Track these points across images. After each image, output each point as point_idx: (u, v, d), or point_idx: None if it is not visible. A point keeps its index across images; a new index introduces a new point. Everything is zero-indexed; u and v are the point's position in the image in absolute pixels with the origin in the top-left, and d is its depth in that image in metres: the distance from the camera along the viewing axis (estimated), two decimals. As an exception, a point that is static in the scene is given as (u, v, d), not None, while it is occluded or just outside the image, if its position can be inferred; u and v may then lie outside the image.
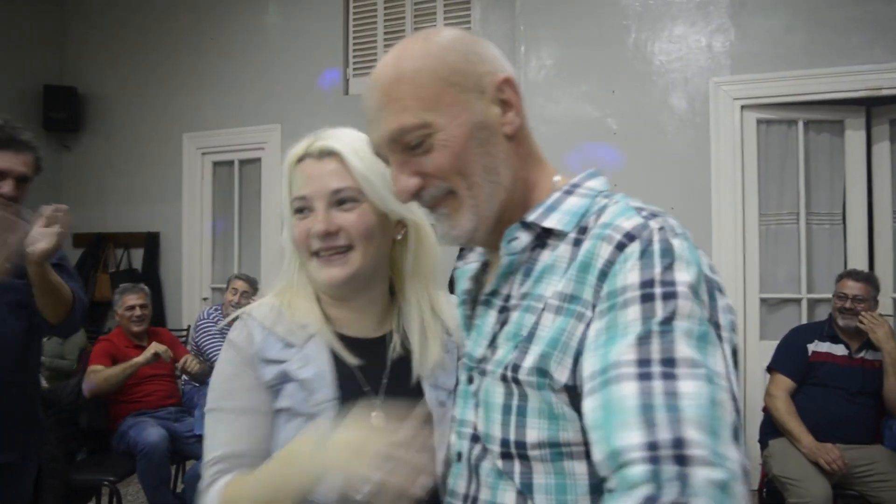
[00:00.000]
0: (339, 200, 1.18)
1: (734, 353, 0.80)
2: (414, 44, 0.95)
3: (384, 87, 0.93)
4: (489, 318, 0.97)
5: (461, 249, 1.21)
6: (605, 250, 0.82)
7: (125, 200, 6.69)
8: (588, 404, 0.77)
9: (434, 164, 0.92)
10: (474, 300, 1.06)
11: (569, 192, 0.96)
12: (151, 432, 3.52)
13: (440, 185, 0.93)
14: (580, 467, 0.82)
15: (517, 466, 0.86)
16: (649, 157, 4.58)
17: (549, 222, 0.92)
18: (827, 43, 4.30)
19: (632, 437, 0.70)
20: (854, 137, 4.48)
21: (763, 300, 4.48)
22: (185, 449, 3.76)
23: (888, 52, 4.18)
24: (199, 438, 3.66)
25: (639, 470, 0.69)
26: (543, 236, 0.93)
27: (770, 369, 3.45)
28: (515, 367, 0.86)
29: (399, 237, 1.25)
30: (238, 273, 5.10)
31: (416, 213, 1.24)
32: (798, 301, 4.46)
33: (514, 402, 0.87)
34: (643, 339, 0.74)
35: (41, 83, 6.70)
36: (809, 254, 4.49)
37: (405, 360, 1.22)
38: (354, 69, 5.83)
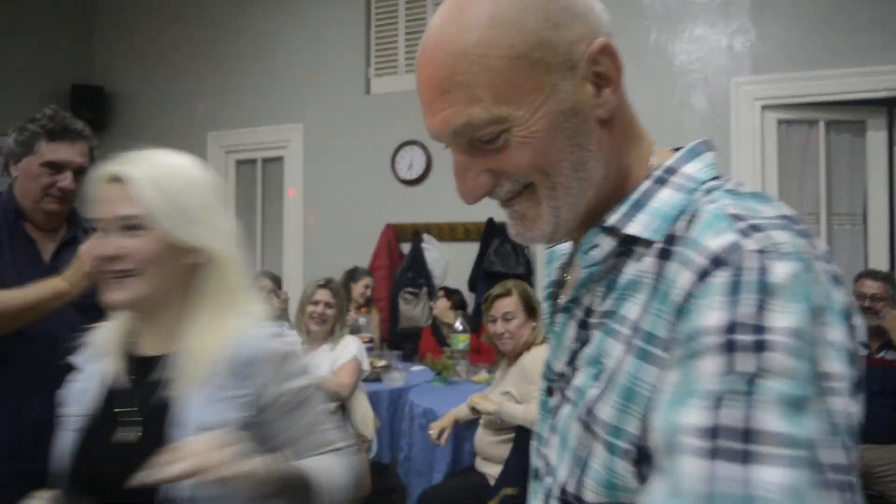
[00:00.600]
0: (127, 226, 1.22)
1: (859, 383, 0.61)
2: (471, 9, 0.71)
3: (444, 65, 0.70)
4: (569, 331, 0.80)
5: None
6: (685, 279, 0.62)
7: (150, 198, 6.78)
8: (652, 476, 0.62)
9: (511, 162, 0.72)
10: (556, 297, 0.89)
11: (661, 182, 0.74)
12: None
13: (518, 181, 0.74)
14: None
15: None
16: (669, 156, 4.60)
17: (633, 228, 0.72)
18: (848, 43, 4.29)
19: None
20: (875, 138, 4.47)
21: (783, 300, 4.48)
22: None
23: (910, 52, 4.18)
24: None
25: None
26: (629, 241, 0.73)
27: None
28: (593, 416, 0.70)
29: (195, 262, 1.28)
30: (263, 270, 5.17)
31: (211, 241, 1.27)
32: (818, 301, 4.46)
33: (584, 454, 0.71)
34: (716, 403, 0.56)
35: (69, 82, 6.81)
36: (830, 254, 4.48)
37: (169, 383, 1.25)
38: (376, 69, 5.88)
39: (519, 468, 2.67)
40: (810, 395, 0.55)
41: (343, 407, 3.49)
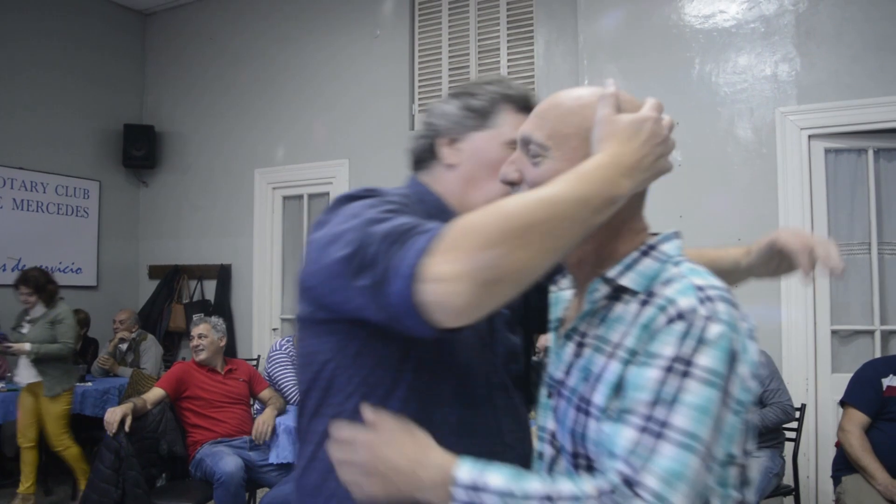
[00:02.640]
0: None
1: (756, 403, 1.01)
2: (591, 92, 1.09)
3: (548, 106, 1.11)
4: (568, 349, 1.10)
5: (556, 275, 1.31)
6: (661, 321, 0.95)
7: (199, 234, 6.94)
8: (606, 427, 0.96)
9: (534, 175, 1.08)
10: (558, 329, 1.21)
11: (645, 253, 1.07)
12: (228, 461, 3.64)
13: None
14: None
15: (585, 470, 1.02)
16: (716, 188, 4.57)
17: (625, 281, 1.04)
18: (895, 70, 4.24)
19: (616, 464, 0.91)
20: (927, 165, 4.40)
21: (834, 332, 4.40)
22: (260, 478, 3.86)
23: (960, 78, 4.11)
24: (276, 468, 3.78)
25: (611, 480, 0.90)
26: (619, 290, 1.05)
27: (843, 403, 3.39)
28: (587, 402, 1.01)
29: None
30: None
31: None
32: (871, 333, 4.37)
33: (580, 429, 1.02)
34: (656, 401, 0.91)
35: (121, 122, 7.04)
36: (882, 284, 4.40)
37: None
38: (420, 105, 5.96)
39: None
40: (707, 405, 0.89)
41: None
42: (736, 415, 0.93)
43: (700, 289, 0.97)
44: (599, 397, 0.99)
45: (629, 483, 0.88)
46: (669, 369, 0.91)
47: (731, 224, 4.50)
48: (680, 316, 0.94)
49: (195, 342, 4.16)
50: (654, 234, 1.10)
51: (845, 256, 4.43)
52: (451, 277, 0.86)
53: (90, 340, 6.25)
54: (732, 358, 0.92)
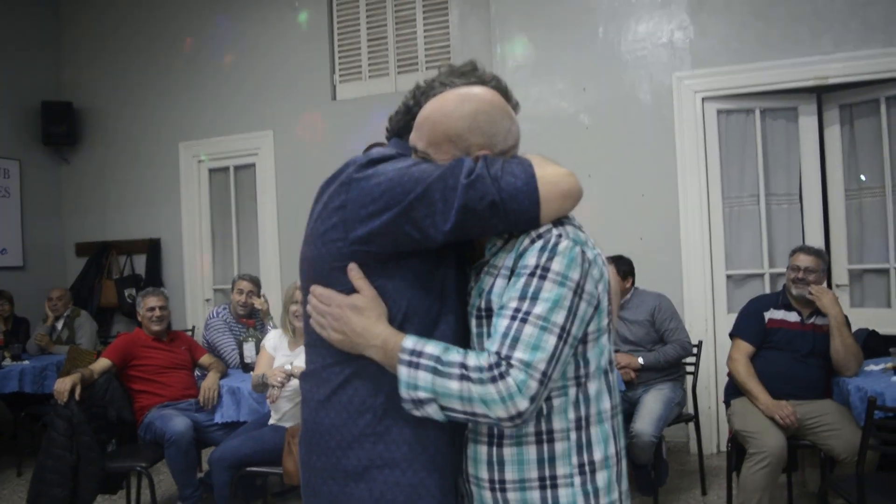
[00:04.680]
0: None
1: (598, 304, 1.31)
2: (453, 101, 1.38)
3: (419, 120, 1.40)
4: (472, 281, 1.44)
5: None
6: (527, 243, 1.29)
7: (126, 209, 6.98)
8: (493, 320, 1.28)
9: None
10: None
11: None
12: (178, 422, 3.84)
13: None
14: None
15: None
16: (619, 148, 4.94)
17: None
18: (779, 37, 4.66)
19: (494, 345, 1.22)
20: (807, 123, 4.85)
21: (729, 276, 4.87)
22: (206, 437, 4.08)
23: (834, 43, 4.54)
24: (220, 427, 4.00)
25: (491, 357, 1.21)
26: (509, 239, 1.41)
27: (732, 336, 3.81)
28: (481, 310, 1.35)
29: None
30: (241, 274, 5.40)
31: None
32: (761, 276, 4.84)
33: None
34: (523, 298, 1.23)
35: (39, 99, 6.97)
36: (770, 232, 4.87)
37: None
38: (340, 76, 6.15)
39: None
40: (560, 302, 1.23)
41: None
42: (588, 303, 1.28)
43: (557, 225, 1.31)
44: (484, 303, 1.34)
45: (504, 357, 1.20)
46: (532, 274, 1.25)
47: (634, 181, 4.89)
48: (539, 237, 1.28)
49: (157, 313, 4.29)
50: None
51: (737, 208, 4.89)
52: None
53: (21, 320, 6.26)
54: (580, 263, 1.26)
